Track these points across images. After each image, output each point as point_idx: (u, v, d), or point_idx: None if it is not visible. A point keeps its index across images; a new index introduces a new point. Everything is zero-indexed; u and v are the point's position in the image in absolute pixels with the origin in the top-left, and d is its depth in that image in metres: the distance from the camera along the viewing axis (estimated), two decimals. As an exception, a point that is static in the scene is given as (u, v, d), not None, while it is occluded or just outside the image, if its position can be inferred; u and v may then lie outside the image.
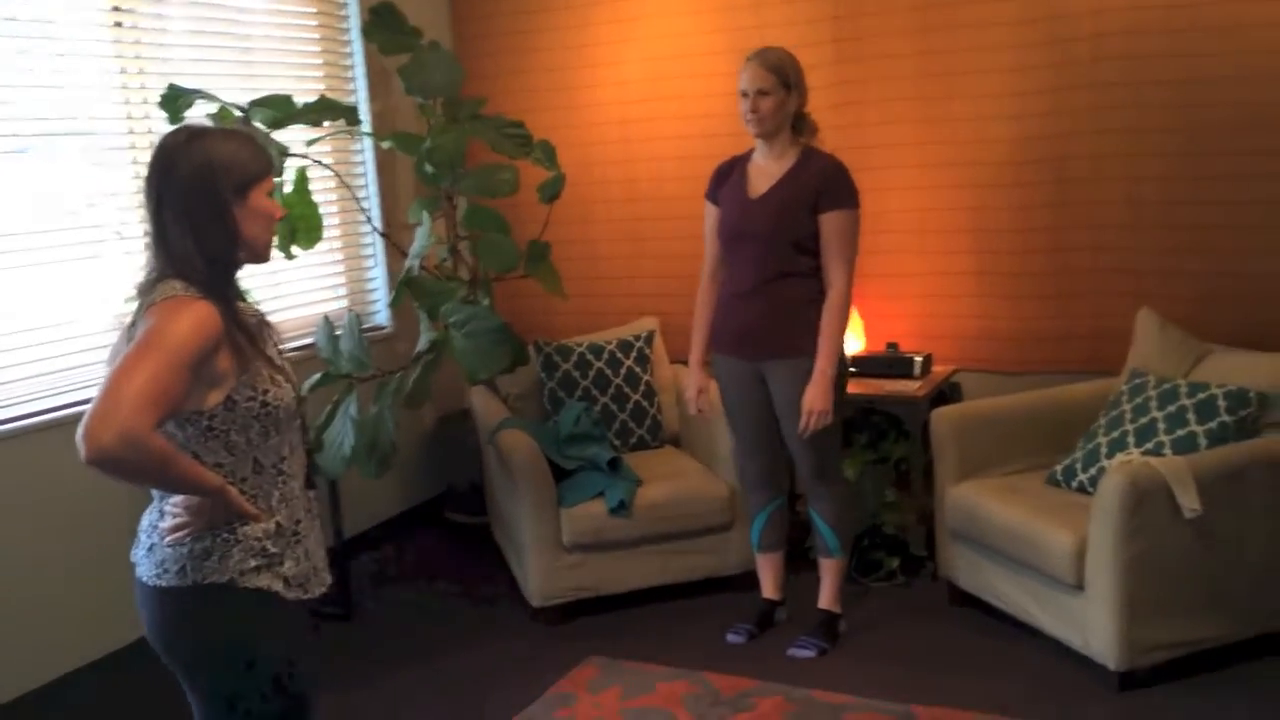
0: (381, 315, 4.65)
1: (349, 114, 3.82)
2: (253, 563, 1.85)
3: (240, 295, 1.91)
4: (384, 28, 4.25)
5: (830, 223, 3.21)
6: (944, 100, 4.08)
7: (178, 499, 1.81)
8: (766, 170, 3.27)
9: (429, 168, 3.99)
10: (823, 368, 3.22)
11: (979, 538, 3.46)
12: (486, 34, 4.90)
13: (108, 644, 3.38)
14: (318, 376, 3.48)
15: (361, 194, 4.55)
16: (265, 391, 1.84)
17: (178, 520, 1.81)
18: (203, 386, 1.77)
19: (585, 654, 3.54)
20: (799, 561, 3.85)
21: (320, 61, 4.40)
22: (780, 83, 3.16)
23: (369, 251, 4.63)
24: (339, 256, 4.54)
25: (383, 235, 4.44)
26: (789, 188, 3.22)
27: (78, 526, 3.29)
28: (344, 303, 4.56)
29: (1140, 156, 3.82)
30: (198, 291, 1.77)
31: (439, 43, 4.30)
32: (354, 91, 4.52)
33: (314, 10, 4.35)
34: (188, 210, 1.78)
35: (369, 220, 4.42)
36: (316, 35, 4.37)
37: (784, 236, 3.20)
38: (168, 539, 1.82)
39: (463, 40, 4.96)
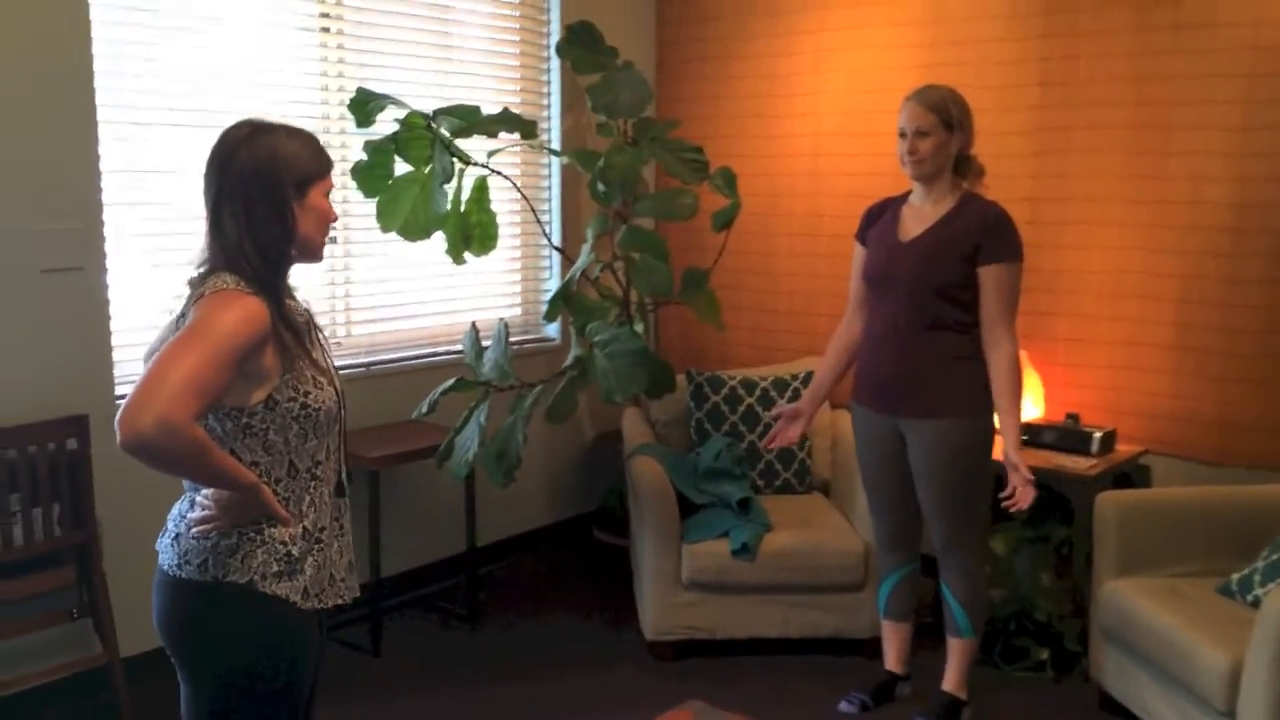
0: (552, 328, 4.70)
1: (527, 128, 3.87)
2: (275, 567, 1.84)
3: (291, 293, 1.93)
4: (579, 45, 4.30)
5: (993, 276, 2.97)
6: (1157, 156, 3.71)
7: (209, 491, 1.82)
8: (921, 213, 3.07)
9: (601, 186, 4.00)
10: (1018, 433, 2.98)
11: (1131, 641, 3.10)
12: (689, 58, 4.88)
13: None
14: (452, 382, 3.53)
15: (544, 208, 4.63)
16: (307, 393, 1.84)
17: (206, 513, 1.82)
18: (246, 383, 1.77)
19: (687, 696, 3.40)
20: (936, 636, 3.58)
21: (518, 75, 4.51)
22: (941, 123, 2.95)
23: (545, 264, 4.70)
24: (517, 266, 4.64)
25: (557, 249, 4.48)
26: (942, 233, 3.00)
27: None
28: (518, 311, 4.65)
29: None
30: (248, 286, 1.78)
31: (632, 63, 4.31)
32: (547, 106, 4.60)
33: (517, 25, 4.46)
34: (246, 203, 1.79)
35: (545, 234, 4.48)
36: (516, 50, 4.48)
37: (930, 284, 2.98)
38: (194, 530, 1.83)
39: (665, 63, 4.97)
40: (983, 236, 2.95)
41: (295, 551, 1.87)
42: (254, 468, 1.83)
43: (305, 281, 3.82)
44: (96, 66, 3.17)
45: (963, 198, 3.03)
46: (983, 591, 3.24)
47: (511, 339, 4.57)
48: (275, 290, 1.83)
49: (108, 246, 3.24)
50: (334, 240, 3.94)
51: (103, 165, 3.22)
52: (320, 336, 1.96)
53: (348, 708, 3.35)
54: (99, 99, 3.19)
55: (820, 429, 4.13)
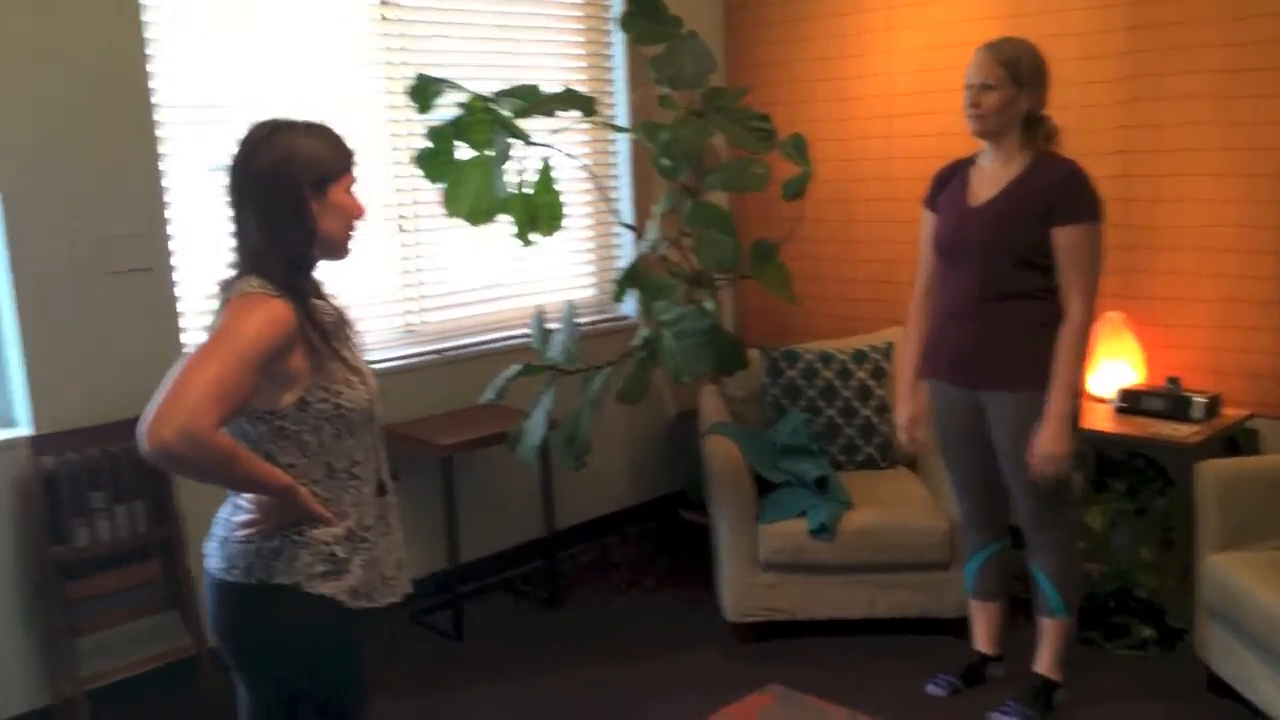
0: (628, 306, 4.64)
1: (587, 105, 3.80)
2: (320, 568, 1.83)
3: (319, 292, 1.90)
4: (641, 17, 4.19)
5: (1067, 238, 2.80)
6: (1253, 100, 3.45)
7: (250, 495, 1.81)
8: (991, 176, 2.90)
9: (665, 161, 3.90)
10: (1058, 407, 2.82)
11: (1236, 619, 2.92)
12: (757, 22, 4.75)
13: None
14: (518, 368, 3.49)
15: (614, 185, 4.56)
16: (339, 393, 1.81)
17: (248, 517, 1.82)
18: (275, 385, 1.76)
19: (768, 679, 3.34)
20: (1031, 614, 3.43)
21: (582, 52, 4.44)
22: (1010, 78, 2.77)
23: (618, 243, 4.64)
24: (590, 246, 4.59)
25: (628, 227, 4.41)
26: (1014, 196, 2.83)
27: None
28: (592, 291, 4.61)
29: None
30: (274, 289, 1.76)
31: (695, 32, 4.19)
32: (612, 82, 4.52)
33: (579, 1, 4.39)
34: (264, 204, 1.77)
35: (614, 212, 4.41)
36: (579, 26, 4.41)
37: (1005, 250, 2.83)
38: (237, 534, 1.83)
39: (734, 29, 4.84)
40: (1056, 196, 2.78)
41: (340, 551, 1.86)
42: (290, 470, 1.81)
43: (374, 271, 3.88)
44: (153, 66, 3.21)
45: (1035, 157, 2.85)
46: (1074, 569, 3.09)
47: (588, 319, 4.56)
48: (300, 291, 1.80)
49: (174, 245, 3.29)
50: (403, 227, 3.97)
51: (165, 165, 3.26)
52: (353, 334, 1.94)
53: (430, 694, 3.38)
54: (158, 98, 3.23)
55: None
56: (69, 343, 3.12)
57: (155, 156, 3.25)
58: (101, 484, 3.09)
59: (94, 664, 3.15)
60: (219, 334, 1.71)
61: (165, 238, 3.29)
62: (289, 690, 1.88)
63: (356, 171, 1.88)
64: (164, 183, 3.27)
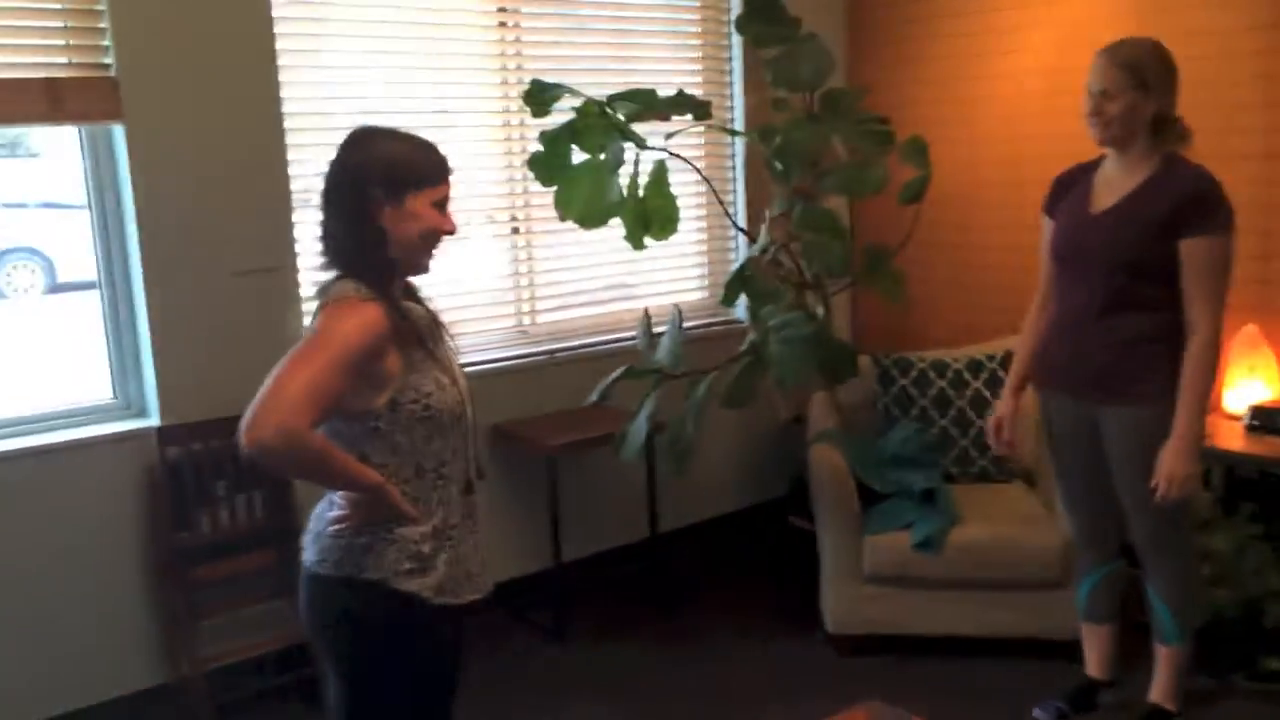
0: (740, 310, 4.61)
1: (700, 108, 3.79)
2: (406, 565, 1.88)
3: (413, 294, 1.95)
4: (759, 20, 4.16)
5: (1194, 251, 2.66)
6: None
7: (343, 492, 1.88)
8: (1115, 182, 2.78)
9: (778, 164, 3.87)
10: (1185, 426, 2.68)
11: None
12: (880, 22, 4.67)
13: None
14: (621, 371, 3.51)
15: (728, 189, 4.54)
16: (428, 395, 1.86)
17: (340, 513, 1.88)
18: (368, 388, 1.81)
19: (866, 695, 3.27)
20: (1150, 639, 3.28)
21: (699, 55, 4.44)
22: (1132, 83, 2.64)
23: (732, 246, 4.62)
24: (704, 249, 4.59)
25: (741, 230, 4.39)
26: (1138, 204, 2.71)
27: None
28: (704, 294, 4.61)
29: None
30: (369, 293, 1.81)
31: (814, 33, 4.13)
32: (729, 85, 4.50)
33: (697, 4, 4.39)
34: (338, 206, 1.83)
35: (729, 215, 4.40)
36: (697, 29, 4.41)
37: (1124, 260, 2.70)
38: (330, 530, 1.90)
39: (855, 29, 4.77)
40: (1185, 206, 2.65)
41: (426, 549, 1.90)
42: (382, 469, 1.86)
43: (487, 272, 3.96)
44: (282, 73, 3.35)
45: (1163, 162, 2.71)
46: (1193, 595, 2.94)
47: (700, 322, 4.56)
48: (391, 294, 1.85)
49: (299, 247, 3.42)
50: (517, 229, 4.04)
51: (292, 170, 3.40)
52: (446, 336, 1.98)
53: (528, 692, 3.43)
54: (286, 106, 3.37)
55: (1023, 413, 3.85)
56: (196, 339, 3.27)
57: (284, 160, 3.38)
58: (223, 474, 3.23)
59: (212, 646, 3.30)
60: (315, 337, 1.78)
61: (292, 239, 3.42)
62: (375, 683, 1.93)
63: (450, 188, 1.90)
64: (290, 186, 3.40)
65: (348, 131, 1.89)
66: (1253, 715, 3.11)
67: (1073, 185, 2.91)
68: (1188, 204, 2.64)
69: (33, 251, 7.37)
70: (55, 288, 7.34)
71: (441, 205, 1.89)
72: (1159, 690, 2.99)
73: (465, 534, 1.98)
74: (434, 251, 1.92)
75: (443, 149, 1.90)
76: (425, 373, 1.87)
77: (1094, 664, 3.16)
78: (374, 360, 1.80)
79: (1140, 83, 2.65)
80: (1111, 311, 2.76)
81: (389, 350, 1.82)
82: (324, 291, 1.87)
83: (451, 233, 1.91)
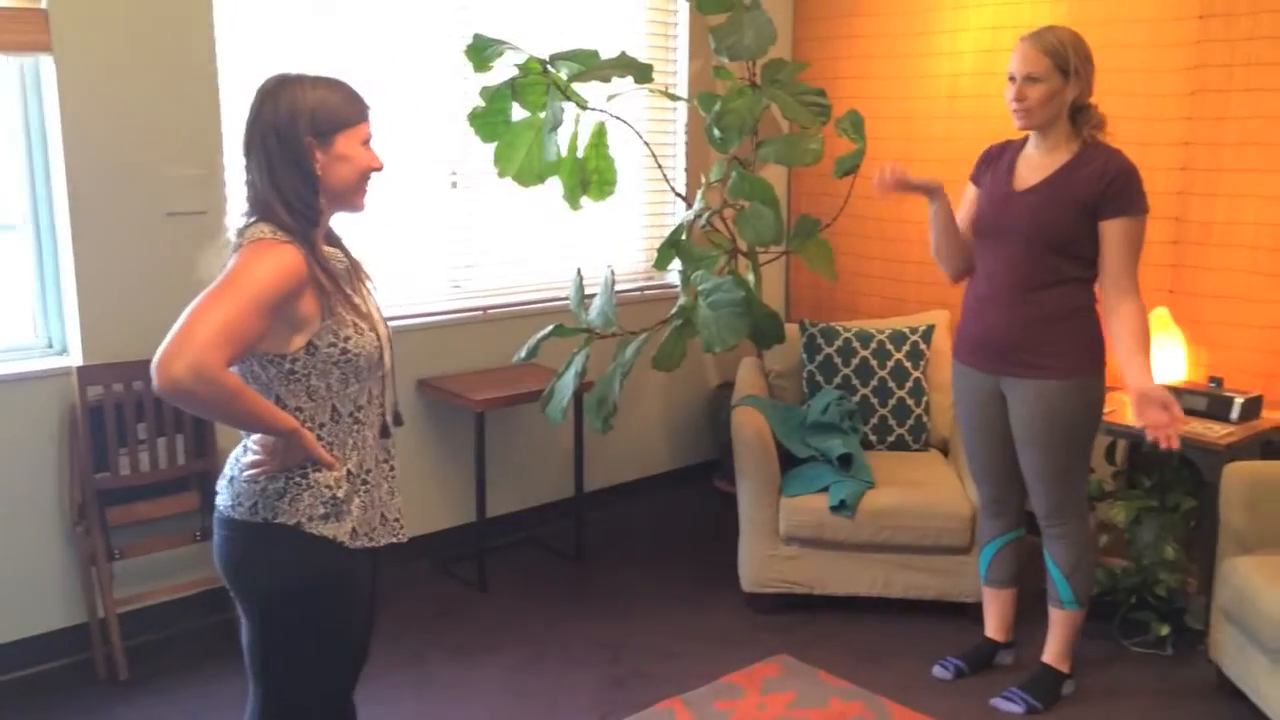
0: (674, 275, 4.67)
1: (642, 72, 3.82)
2: (321, 510, 1.90)
3: (334, 240, 1.96)
4: (705, -13, 4.19)
5: (1118, 231, 2.75)
6: (1324, 95, 3.35)
7: (258, 437, 1.88)
8: (1037, 163, 2.87)
9: (717, 131, 3.91)
10: (1151, 380, 2.70)
11: (1246, 623, 2.87)
12: (824, -5, 4.71)
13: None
14: (551, 328, 3.55)
15: (670, 154, 4.58)
16: (347, 339, 1.87)
17: (255, 457, 1.89)
18: (285, 329, 1.82)
19: (776, 650, 3.39)
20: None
21: (647, 19, 4.45)
22: (1056, 68, 2.72)
23: (670, 211, 4.66)
24: (644, 213, 4.62)
25: (680, 196, 4.43)
26: (1058, 184, 2.80)
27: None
28: (642, 259, 4.65)
29: None
30: (285, 236, 1.82)
31: (759, 3, 4.18)
32: (674, 50, 4.53)
33: (643, -33, 4.40)
34: (268, 154, 1.83)
35: (668, 180, 4.43)
36: (644, -9, 4.43)
37: (1045, 237, 2.80)
38: (244, 474, 1.90)
39: (802, 2, 4.81)
40: (1106, 188, 2.74)
41: (340, 494, 1.92)
42: (298, 413, 1.87)
43: (424, 226, 3.97)
44: (216, 15, 3.31)
45: (1084, 146, 2.80)
46: (1087, 562, 3.06)
47: (635, 285, 4.61)
48: (310, 239, 1.86)
49: (227, 190, 3.41)
50: (455, 184, 4.04)
51: (224, 112, 3.37)
52: (367, 282, 2.00)
53: (447, 639, 3.48)
54: (219, 48, 3.34)
55: (940, 385, 3.97)
56: (121, 279, 3.25)
57: (217, 105, 3.35)
58: (145, 416, 3.23)
59: (129, 588, 3.31)
60: (229, 276, 1.78)
61: (222, 184, 3.40)
62: (290, 627, 1.95)
63: (372, 125, 1.92)
64: (222, 130, 3.37)
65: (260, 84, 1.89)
66: (1140, 677, 3.25)
67: (998, 160, 2.99)
68: (1110, 186, 2.74)
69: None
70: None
71: (367, 143, 1.91)
72: (1052, 652, 3.12)
73: (380, 479, 2.01)
74: (366, 189, 1.94)
75: (384, 99, 1.89)
76: (343, 317, 1.88)
77: (993, 626, 3.29)
78: (290, 302, 1.81)
79: (1062, 68, 2.73)
80: (1028, 287, 2.85)
81: (306, 292, 1.83)
82: (241, 233, 1.88)
83: (380, 169, 1.93)
